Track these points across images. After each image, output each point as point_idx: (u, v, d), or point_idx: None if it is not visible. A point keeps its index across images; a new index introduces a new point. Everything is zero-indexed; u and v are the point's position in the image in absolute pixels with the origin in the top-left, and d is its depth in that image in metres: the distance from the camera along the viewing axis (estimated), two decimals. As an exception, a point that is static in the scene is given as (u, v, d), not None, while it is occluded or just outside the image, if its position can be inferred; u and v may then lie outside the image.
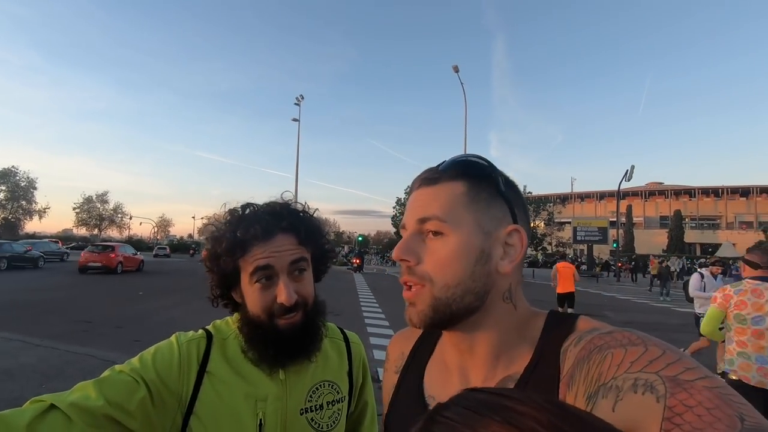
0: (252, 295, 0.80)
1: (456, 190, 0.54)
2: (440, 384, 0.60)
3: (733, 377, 2.51)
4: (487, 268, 0.52)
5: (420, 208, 0.55)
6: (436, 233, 0.53)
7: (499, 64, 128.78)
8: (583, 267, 33.00)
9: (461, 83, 28.28)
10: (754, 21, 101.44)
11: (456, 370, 0.58)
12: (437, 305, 0.52)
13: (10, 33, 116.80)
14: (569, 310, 8.40)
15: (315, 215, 0.92)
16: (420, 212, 0.54)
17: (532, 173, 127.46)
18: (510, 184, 0.57)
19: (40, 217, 56.47)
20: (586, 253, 33.64)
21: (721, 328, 2.76)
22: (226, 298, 0.87)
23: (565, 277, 8.61)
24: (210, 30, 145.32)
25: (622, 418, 0.37)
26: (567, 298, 8.59)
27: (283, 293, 0.78)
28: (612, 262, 28.31)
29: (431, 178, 0.56)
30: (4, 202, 53.63)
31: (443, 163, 0.57)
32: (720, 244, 51.63)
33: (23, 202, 54.70)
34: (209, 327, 0.87)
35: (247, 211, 0.86)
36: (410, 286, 0.54)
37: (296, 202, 0.92)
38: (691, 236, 57.85)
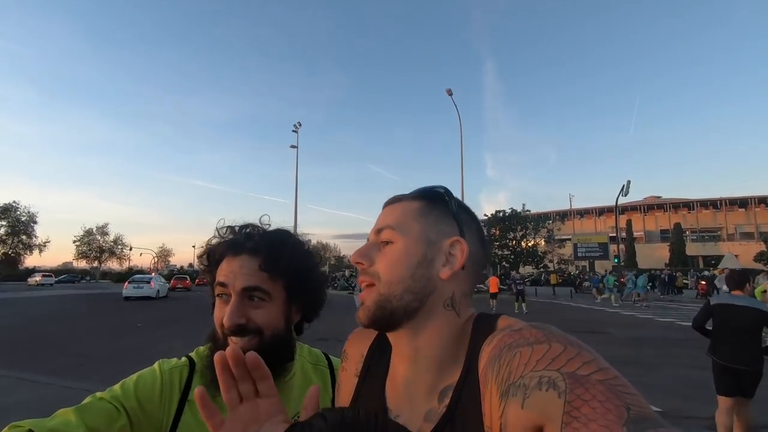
0: (215, 308, 0.81)
1: (411, 206, 0.62)
2: (395, 396, 0.61)
3: None
4: (428, 272, 0.57)
5: (379, 222, 0.63)
6: (388, 242, 0.60)
7: (490, 86, 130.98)
8: (586, 284, 32.76)
9: (455, 106, 28.82)
10: (742, 35, 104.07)
11: (403, 381, 0.60)
12: (380, 301, 0.57)
13: (8, 70, 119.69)
14: (493, 302, 17.98)
15: (305, 244, 0.88)
16: (378, 224, 0.62)
17: (529, 192, 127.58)
18: (464, 208, 0.63)
19: (41, 251, 56.50)
20: (588, 269, 33.47)
21: None
22: None
23: (493, 284, 18.46)
24: (204, 61, 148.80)
25: (530, 413, 0.41)
26: (494, 295, 18.22)
27: (226, 313, 0.76)
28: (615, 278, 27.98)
29: (394, 199, 0.65)
30: (4, 237, 53.73)
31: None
32: (722, 256, 51.37)
33: (23, 237, 54.79)
34: (192, 354, 0.85)
35: (246, 229, 0.86)
36: (364, 287, 0.60)
37: (294, 232, 0.91)
38: (692, 249, 57.48)
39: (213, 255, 0.83)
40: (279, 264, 0.80)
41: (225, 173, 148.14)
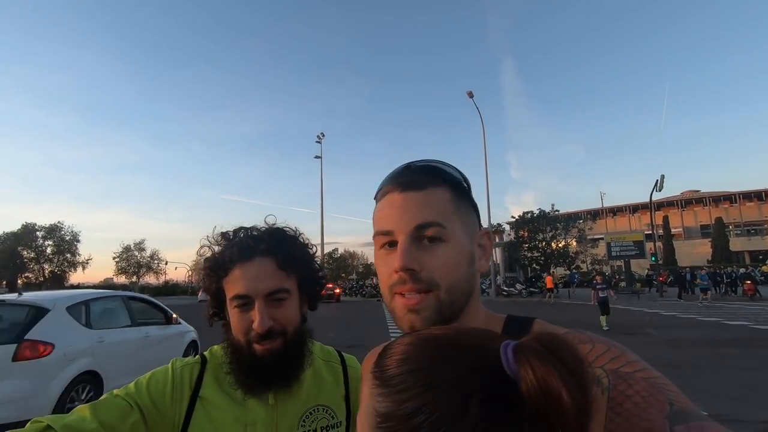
0: (233, 318, 0.81)
1: (445, 197, 0.56)
2: None
3: None
4: (473, 269, 0.56)
5: (415, 214, 0.54)
6: (432, 239, 0.53)
7: (510, 85, 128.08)
8: (622, 284, 31.54)
9: (478, 109, 28.59)
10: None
11: None
12: (442, 308, 0.52)
13: (53, 100, 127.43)
14: (550, 295, 25.56)
15: (301, 238, 0.91)
16: (417, 218, 0.53)
17: (557, 191, 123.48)
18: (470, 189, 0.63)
19: (84, 268, 59.45)
20: (624, 269, 32.21)
21: None
22: (223, 317, 0.87)
23: (549, 282, 25.90)
24: (230, 79, 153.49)
25: None
26: (551, 290, 25.68)
27: (257, 320, 0.77)
28: (653, 277, 26.76)
29: (417, 181, 0.56)
30: (51, 256, 56.88)
31: (414, 164, 0.59)
32: (771, 251, 48.37)
33: (68, 255, 57.79)
34: (206, 352, 0.88)
35: (240, 234, 0.87)
36: (415, 294, 0.53)
37: (286, 227, 0.91)
38: (737, 244, 54.43)
39: (221, 264, 0.83)
40: (295, 260, 0.84)
41: (252, 186, 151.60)
